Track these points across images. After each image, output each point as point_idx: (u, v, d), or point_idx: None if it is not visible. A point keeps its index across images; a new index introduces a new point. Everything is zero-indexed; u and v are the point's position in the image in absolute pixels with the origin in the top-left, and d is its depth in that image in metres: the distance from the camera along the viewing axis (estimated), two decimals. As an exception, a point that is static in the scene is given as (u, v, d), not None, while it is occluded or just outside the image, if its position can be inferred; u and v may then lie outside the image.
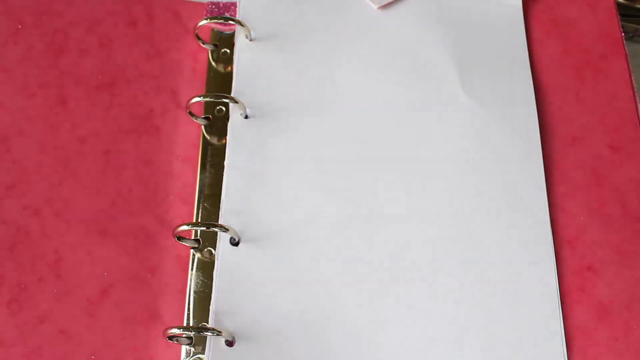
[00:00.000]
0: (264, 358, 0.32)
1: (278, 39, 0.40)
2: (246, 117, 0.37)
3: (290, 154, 0.36)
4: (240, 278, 0.34)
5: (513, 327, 0.33)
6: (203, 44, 0.40)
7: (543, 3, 0.41)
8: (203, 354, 0.33)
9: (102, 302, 0.34)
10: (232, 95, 0.38)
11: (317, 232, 0.35)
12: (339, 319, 0.33)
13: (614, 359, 0.33)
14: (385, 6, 0.41)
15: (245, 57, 0.39)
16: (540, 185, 0.36)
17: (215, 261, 0.34)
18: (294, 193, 0.36)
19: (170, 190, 0.37)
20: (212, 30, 0.41)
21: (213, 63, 0.40)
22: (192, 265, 0.35)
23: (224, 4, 0.41)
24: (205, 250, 0.35)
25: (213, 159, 0.37)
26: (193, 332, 0.32)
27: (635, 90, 0.39)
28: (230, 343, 0.32)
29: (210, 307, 0.33)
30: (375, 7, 0.41)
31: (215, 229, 0.34)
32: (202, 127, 0.38)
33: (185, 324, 0.33)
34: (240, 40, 0.40)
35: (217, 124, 0.38)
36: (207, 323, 0.33)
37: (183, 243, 0.35)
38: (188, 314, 0.34)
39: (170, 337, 0.32)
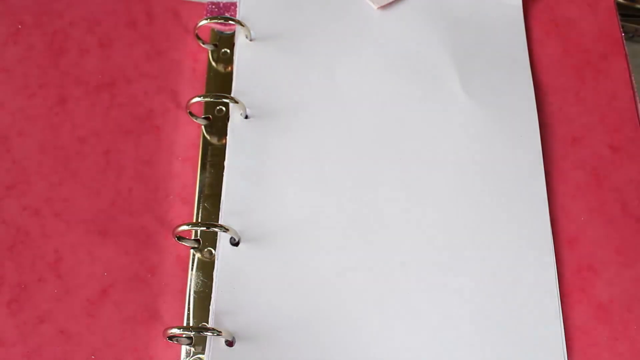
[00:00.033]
0: (264, 358, 0.32)
1: (278, 39, 0.40)
2: (246, 117, 0.37)
3: (290, 154, 0.36)
4: (240, 278, 0.34)
5: (513, 327, 0.33)
6: (203, 44, 0.40)
7: (543, 3, 0.41)
8: (203, 354, 0.33)
9: (102, 302, 0.34)
10: (232, 95, 0.38)
11: (317, 232, 0.35)
12: (339, 319, 0.33)
13: (614, 359, 0.33)
14: (385, 6, 0.41)
15: (245, 57, 0.39)
16: (540, 185, 0.36)
17: (215, 261, 0.34)
18: (294, 193, 0.36)
19: (170, 190, 0.37)
20: (212, 30, 0.41)
21: (213, 63, 0.40)
22: (192, 265, 0.35)
23: (224, 4, 0.41)
24: (205, 250, 0.35)
25: (213, 159, 0.37)
26: (193, 332, 0.32)
27: (635, 90, 0.39)
28: (230, 343, 0.32)
29: (210, 307, 0.33)
30: (375, 7, 0.41)
31: (215, 229, 0.34)
32: (202, 127, 0.38)
33: (185, 324, 0.33)
34: (240, 40, 0.40)
35: (217, 124, 0.38)
36: (207, 323, 0.33)
37: (183, 243, 0.35)
38: (188, 314, 0.34)
39: (170, 337, 0.32)
